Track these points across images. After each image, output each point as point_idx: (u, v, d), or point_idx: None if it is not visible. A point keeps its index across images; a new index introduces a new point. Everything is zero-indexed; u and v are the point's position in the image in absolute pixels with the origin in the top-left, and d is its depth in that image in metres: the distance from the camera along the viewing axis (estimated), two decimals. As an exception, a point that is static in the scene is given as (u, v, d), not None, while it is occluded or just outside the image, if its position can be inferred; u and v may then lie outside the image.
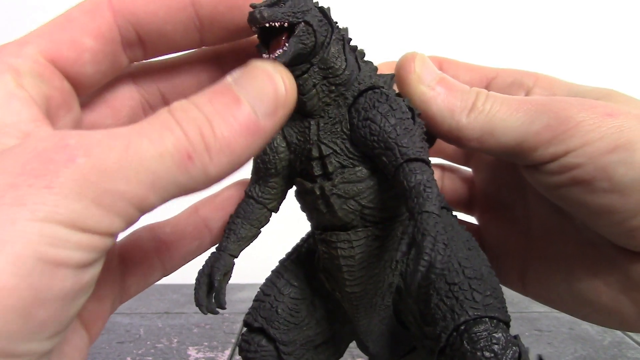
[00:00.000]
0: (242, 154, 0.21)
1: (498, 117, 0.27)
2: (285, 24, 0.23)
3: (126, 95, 0.28)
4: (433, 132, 0.28)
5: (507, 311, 0.26)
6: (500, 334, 0.25)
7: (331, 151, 0.27)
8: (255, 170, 0.28)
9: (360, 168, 0.27)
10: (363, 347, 0.33)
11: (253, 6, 0.23)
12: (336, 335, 0.33)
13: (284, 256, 0.33)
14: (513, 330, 0.61)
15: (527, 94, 0.31)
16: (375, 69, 0.28)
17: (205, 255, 0.30)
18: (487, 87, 0.33)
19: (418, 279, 0.22)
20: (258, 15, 0.22)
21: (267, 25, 0.23)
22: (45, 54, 0.23)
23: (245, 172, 0.29)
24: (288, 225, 0.38)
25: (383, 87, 0.27)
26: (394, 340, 0.32)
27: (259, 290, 0.32)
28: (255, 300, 0.32)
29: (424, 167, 0.25)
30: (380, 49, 0.32)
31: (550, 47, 0.78)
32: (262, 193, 0.28)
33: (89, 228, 0.18)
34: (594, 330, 0.60)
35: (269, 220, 0.29)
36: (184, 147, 0.19)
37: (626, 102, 0.28)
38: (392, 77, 0.29)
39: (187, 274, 0.31)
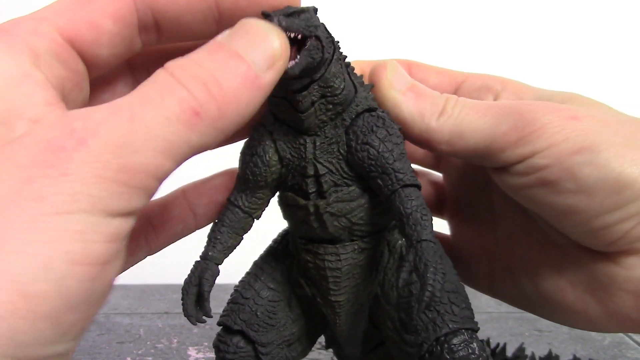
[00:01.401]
0: (247, 107, 0.20)
1: (467, 120, 0.28)
2: (299, 36, 0.23)
3: (123, 76, 0.27)
4: (404, 136, 0.28)
5: (474, 318, 0.29)
6: (475, 344, 0.27)
7: (327, 170, 0.27)
8: (244, 181, 0.28)
9: (353, 187, 0.28)
10: (333, 344, 0.34)
11: (267, 14, 0.23)
12: (308, 332, 0.34)
13: (257, 258, 0.34)
14: (513, 330, 0.61)
15: (495, 98, 0.32)
16: (370, 87, 0.29)
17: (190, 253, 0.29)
18: (456, 90, 0.34)
19: (423, 309, 0.24)
20: (277, 23, 0.22)
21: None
22: (64, 33, 0.22)
23: (233, 162, 0.30)
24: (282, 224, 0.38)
25: (378, 109, 0.28)
26: (364, 337, 0.34)
27: (235, 291, 0.32)
28: (232, 303, 0.32)
29: (418, 192, 0.26)
30: (357, 51, 0.32)
31: (517, 52, 0.79)
32: (249, 203, 0.29)
33: (113, 210, 0.18)
34: (594, 330, 0.60)
35: (251, 227, 0.30)
36: (190, 105, 0.19)
37: (590, 105, 0.29)
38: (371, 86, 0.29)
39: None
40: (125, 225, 0.19)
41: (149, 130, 0.18)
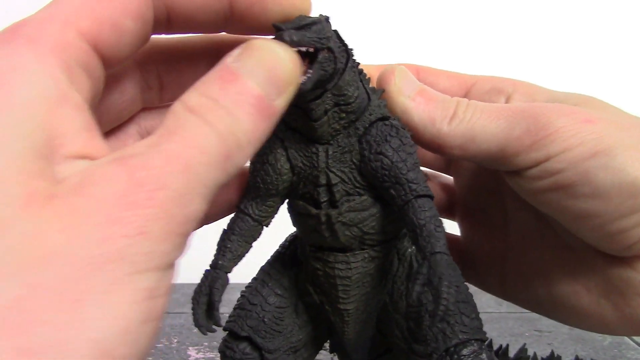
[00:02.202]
0: (261, 137, 0.21)
1: (479, 124, 0.27)
2: (311, 50, 0.23)
3: (129, 73, 0.27)
4: (415, 142, 0.28)
5: (483, 329, 0.29)
6: (484, 355, 0.27)
7: (339, 180, 0.27)
8: (254, 189, 0.28)
9: (365, 197, 0.27)
10: (338, 350, 0.34)
11: (278, 27, 0.23)
12: (315, 338, 0.33)
13: (264, 263, 0.34)
14: (513, 331, 0.61)
15: (506, 101, 0.32)
16: (382, 93, 0.29)
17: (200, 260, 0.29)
18: (467, 94, 0.33)
19: (437, 322, 0.25)
20: (288, 39, 0.22)
21: (295, 49, 0.22)
22: (88, 37, 0.21)
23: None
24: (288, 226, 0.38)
25: (391, 118, 0.27)
26: (371, 344, 0.33)
27: (242, 297, 0.32)
28: (239, 308, 0.32)
29: (431, 203, 0.26)
30: (365, 55, 0.32)
31: (529, 53, 0.79)
32: (260, 211, 0.28)
33: (172, 261, 0.18)
34: (594, 330, 0.60)
35: (260, 234, 0.29)
36: (223, 150, 0.19)
37: (603, 108, 0.29)
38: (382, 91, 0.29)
39: (187, 274, 0.31)
40: (175, 271, 0.19)
41: (199, 177, 0.19)
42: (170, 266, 0.18)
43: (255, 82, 0.20)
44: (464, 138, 0.28)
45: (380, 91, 0.29)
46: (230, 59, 0.21)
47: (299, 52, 0.22)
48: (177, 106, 0.20)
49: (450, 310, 0.25)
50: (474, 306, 0.29)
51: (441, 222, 0.26)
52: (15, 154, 0.17)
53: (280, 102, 0.21)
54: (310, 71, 0.23)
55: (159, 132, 0.19)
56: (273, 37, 0.23)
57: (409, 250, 0.31)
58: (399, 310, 0.30)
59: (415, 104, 0.28)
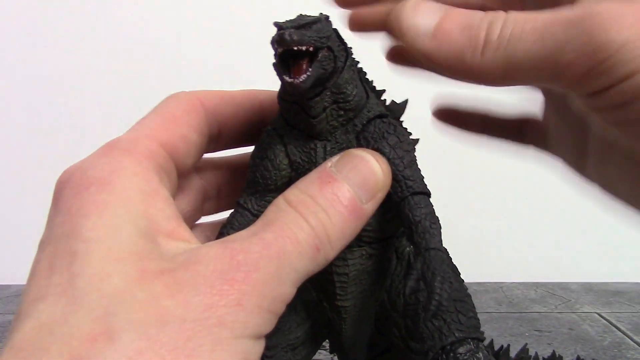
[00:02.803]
0: (351, 237, 0.24)
1: (520, 48, 0.22)
2: (311, 49, 0.23)
3: (193, 182, 0.30)
4: (448, 77, 0.25)
5: (480, 328, 0.29)
6: (480, 354, 0.27)
7: None
8: (253, 184, 0.28)
9: None
10: (337, 349, 0.34)
11: (279, 25, 0.23)
12: (313, 336, 0.33)
13: None
14: (513, 330, 0.61)
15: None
16: (382, 93, 0.29)
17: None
18: None
19: (430, 317, 0.25)
20: (288, 38, 0.22)
21: (295, 48, 0.23)
22: (167, 147, 0.25)
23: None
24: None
25: (389, 115, 0.27)
26: (370, 343, 0.33)
27: None
28: None
29: (427, 200, 0.26)
30: (365, 53, 0.31)
31: None
32: (259, 207, 0.28)
33: (262, 334, 0.21)
34: (594, 330, 0.60)
35: None
36: (314, 242, 0.22)
37: None
38: (405, 103, 0.29)
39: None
40: (263, 344, 0.21)
41: (289, 264, 0.21)
42: (260, 337, 0.21)
43: (350, 186, 0.23)
44: (504, 68, 0.22)
45: (382, 91, 0.29)
46: (329, 164, 0.24)
47: (299, 50, 0.23)
48: (279, 200, 0.23)
49: (444, 305, 0.24)
50: (472, 305, 0.29)
51: (437, 220, 0.26)
52: (126, 238, 0.20)
53: (370, 206, 0.24)
54: (310, 70, 0.23)
55: (260, 222, 0.22)
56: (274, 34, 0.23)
57: (407, 249, 0.31)
58: (396, 309, 0.30)
59: (436, 44, 0.23)
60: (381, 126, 0.27)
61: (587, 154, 0.31)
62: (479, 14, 0.23)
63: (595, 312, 0.66)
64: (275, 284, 0.21)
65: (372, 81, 0.28)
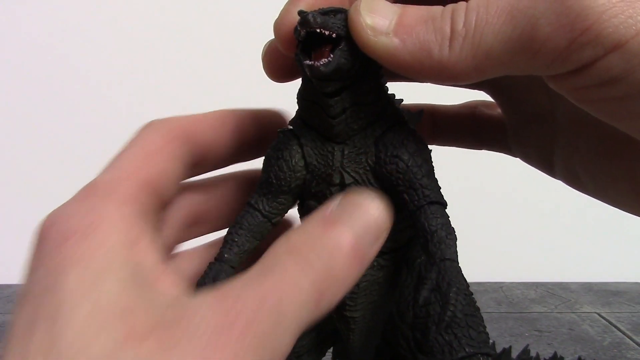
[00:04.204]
0: (353, 280, 0.22)
1: (489, 33, 0.20)
2: (334, 35, 0.23)
3: (175, 209, 0.29)
4: (419, 80, 0.24)
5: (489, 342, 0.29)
6: None
7: (352, 180, 0.27)
8: (266, 185, 0.28)
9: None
10: (342, 357, 0.34)
11: (303, 12, 0.23)
12: (318, 344, 0.33)
13: None
14: (513, 331, 0.60)
15: None
16: (400, 101, 0.28)
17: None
18: None
19: (443, 329, 0.25)
20: (312, 20, 0.22)
21: (318, 31, 0.22)
22: (148, 186, 0.24)
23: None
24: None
25: (412, 123, 0.27)
26: (376, 353, 0.33)
27: None
28: None
29: (443, 210, 0.26)
30: None
31: None
32: (270, 208, 0.28)
33: None
34: (594, 330, 0.60)
35: (269, 232, 0.29)
36: (318, 289, 0.20)
37: None
38: (420, 113, 0.29)
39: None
40: None
41: (291, 316, 0.19)
42: None
43: (353, 229, 0.22)
44: (475, 58, 0.20)
45: (400, 100, 0.28)
46: (331, 207, 0.23)
47: (322, 34, 0.22)
48: (277, 245, 0.21)
49: (458, 317, 0.24)
50: (481, 318, 0.28)
51: (453, 231, 0.25)
52: (111, 291, 0.19)
53: (372, 250, 0.23)
54: (332, 55, 0.23)
55: (256, 269, 0.20)
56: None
57: (418, 260, 0.30)
58: (405, 320, 0.30)
59: (399, 41, 0.21)
60: (401, 133, 0.26)
61: (553, 150, 0.30)
62: (438, 7, 0.22)
63: (595, 312, 0.66)
64: (274, 337, 0.19)
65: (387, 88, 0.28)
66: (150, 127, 0.26)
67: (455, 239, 0.25)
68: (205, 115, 0.28)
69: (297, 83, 0.27)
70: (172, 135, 0.26)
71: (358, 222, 0.22)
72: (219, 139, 0.28)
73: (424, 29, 0.21)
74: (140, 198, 0.23)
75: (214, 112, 0.28)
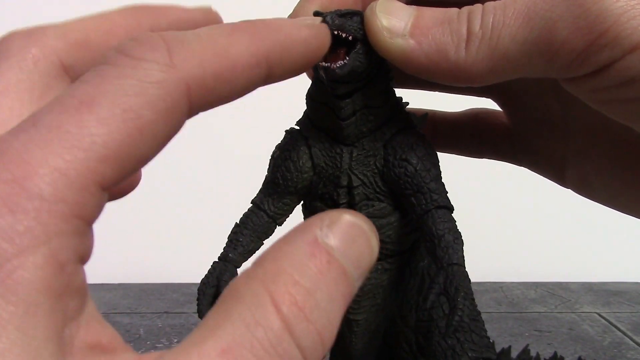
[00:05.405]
0: (338, 317, 0.17)
1: (506, 35, 0.20)
2: (350, 38, 0.23)
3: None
4: (435, 81, 0.24)
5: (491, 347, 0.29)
6: None
7: (360, 183, 0.27)
8: (273, 185, 0.28)
9: (385, 204, 0.27)
10: (342, 359, 0.34)
11: (320, 14, 0.23)
12: None
13: None
14: (513, 331, 0.61)
15: None
16: (406, 104, 0.28)
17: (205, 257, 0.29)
18: None
19: (450, 333, 0.24)
20: (330, 21, 0.22)
21: (335, 33, 0.22)
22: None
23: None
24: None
25: (417, 127, 0.27)
26: (377, 356, 0.33)
27: None
28: None
29: (450, 215, 0.26)
30: None
31: None
32: (275, 208, 0.28)
33: None
34: (594, 330, 0.60)
35: (273, 232, 0.29)
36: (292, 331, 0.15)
37: None
38: (424, 118, 0.29)
39: (187, 274, 0.31)
40: None
41: None
42: None
43: (348, 265, 0.17)
44: (491, 60, 0.20)
45: (405, 103, 0.28)
46: (320, 232, 0.17)
47: (338, 36, 0.22)
48: (253, 280, 0.15)
49: (465, 322, 0.24)
50: (483, 324, 0.28)
51: (460, 235, 0.25)
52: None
53: (360, 283, 0.18)
54: (347, 58, 0.23)
55: (211, 315, 0.15)
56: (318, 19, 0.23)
57: (421, 263, 0.30)
58: (407, 324, 0.29)
59: (415, 43, 0.21)
60: (410, 137, 0.26)
61: (565, 157, 0.30)
62: (454, 9, 0.22)
63: (595, 312, 0.66)
64: None
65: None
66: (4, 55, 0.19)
67: (462, 243, 0.25)
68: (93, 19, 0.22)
69: (301, 81, 0.27)
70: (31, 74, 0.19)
71: (353, 256, 0.17)
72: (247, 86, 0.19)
73: (440, 30, 0.21)
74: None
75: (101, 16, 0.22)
